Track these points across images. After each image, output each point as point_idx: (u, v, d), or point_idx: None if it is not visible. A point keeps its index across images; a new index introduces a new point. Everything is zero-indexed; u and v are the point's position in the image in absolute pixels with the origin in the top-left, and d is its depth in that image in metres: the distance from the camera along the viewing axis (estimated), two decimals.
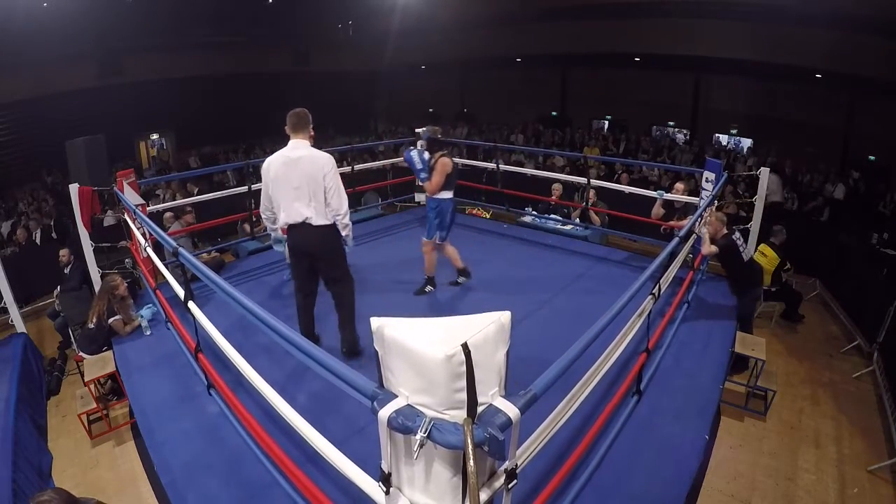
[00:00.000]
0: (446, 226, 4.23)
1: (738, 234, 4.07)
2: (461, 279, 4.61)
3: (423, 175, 4.07)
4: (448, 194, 4.13)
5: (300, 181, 2.98)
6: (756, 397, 3.74)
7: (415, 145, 6.07)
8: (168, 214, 5.65)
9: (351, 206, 6.32)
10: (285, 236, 3.28)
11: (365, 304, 4.21)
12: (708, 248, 4.04)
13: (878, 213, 7.99)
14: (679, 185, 5.17)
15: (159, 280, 4.09)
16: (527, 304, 4.21)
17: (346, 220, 3.12)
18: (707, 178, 4.82)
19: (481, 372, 1.20)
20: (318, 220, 3.05)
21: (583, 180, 5.81)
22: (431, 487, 1.29)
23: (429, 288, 4.50)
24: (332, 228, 3.10)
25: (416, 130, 4.31)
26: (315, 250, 3.16)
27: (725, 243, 3.95)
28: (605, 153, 11.50)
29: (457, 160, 4.43)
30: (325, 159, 3.01)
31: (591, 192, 5.96)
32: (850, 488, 3.11)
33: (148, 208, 4.85)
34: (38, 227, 7.73)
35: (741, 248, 4.02)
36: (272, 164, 3.07)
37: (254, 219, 5.62)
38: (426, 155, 4.08)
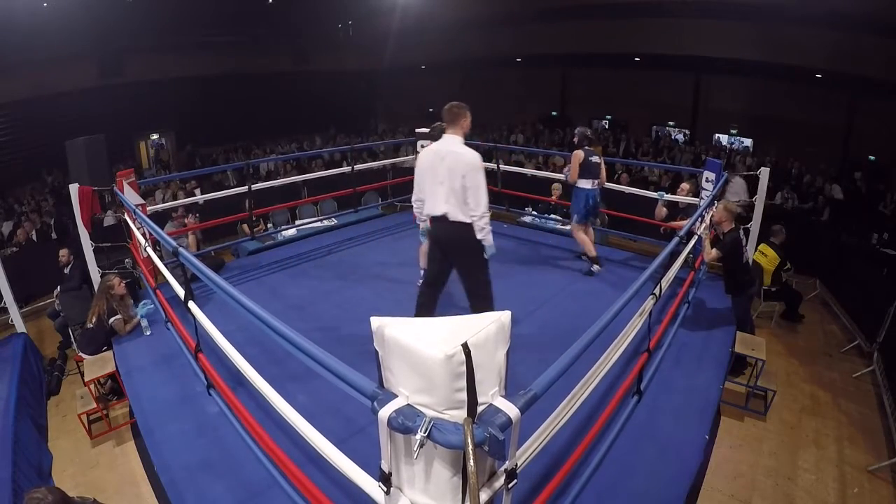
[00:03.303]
0: (590, 212, 4.81)
1: (742, 233, 4.02)
2: (595, 268, 4.85)
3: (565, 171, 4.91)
4: (586, 184, 4.71)
5: (443, 176, 3.00)
6: (756, 397, 3.74)
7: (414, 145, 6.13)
8: (179, 212, 5.64)
9: (351, 206, 6.41)
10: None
11: (364, 304, 4.25)
12: (709, 254, 3.93)
13: (878, 213, 8.00)
14: (684, 186, 5.14)
15: (159, 280, 4.09)
16: (527, 304, 4.21)
17: (483, 222, 3.04)
18: (707, 178, 4.82)
19: (481, 372, 1.20)
20: (455, 217, 3.04)
21: None
22: (431, 487, 1.28)
23: (595, 267, 4.82)
24: (469, 227, 3.07)
25: (576, 130, 5.02)
26: (449, 246, 3.18)
27: (732, 239, 3.85)
28: (605, 153, 11.50)
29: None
30: (468, 157, 2.97)
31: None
32: (850, 488, 3.11)
33: (148, 208, 4.85)
34: (32, 227, 7.73)
35: (744, 249, 3.98)
36: (424, 155, 3.13)
37: (253, 219, 5.62)
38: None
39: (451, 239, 3.14)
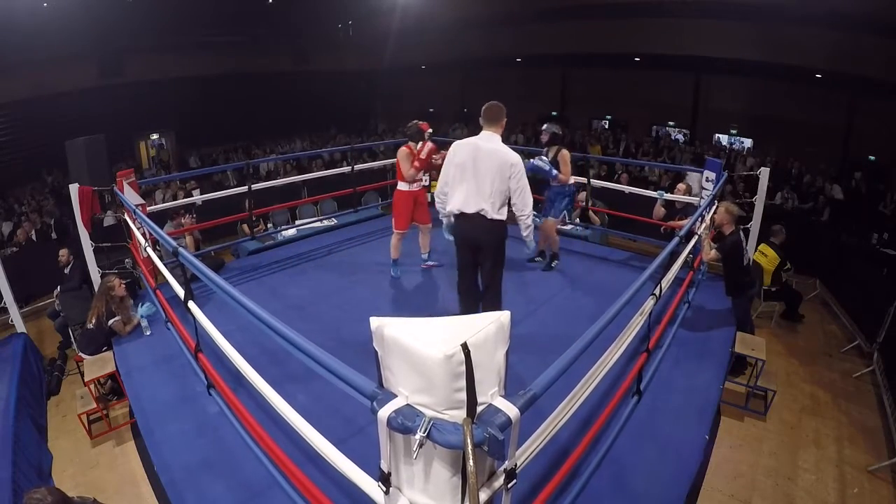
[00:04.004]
0: (570, 207, 4.92)
1: (742, 235, 4.03)
2: (555, 263, 4.93)
3: (553, 173, 4.55)
4: (571, 180, 4.75)
5: (486, 174, 2.97)
6: (756, 397, 3.74)
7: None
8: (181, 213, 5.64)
9: (351, 206, 6.41)
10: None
11: (364, 304, 4.25)
12: (708, 254, 3.93)
13: (878, 213, 8.00)
14: (681, 186, 5.15)
15: (159, 280, 4.09)
16: (527, 304, 4.21)
17: (529, 220, 3.15)
18: (707, 178, 4.82)
19: (481, 372, 1.20)
20: (492, 215, 3.03)
21: (583, 180, 5.80)
22: (431, 487, 1.28)
23: (556, 263, 4.90)
24: (503, 224, 3.10)
25: (545, 127, 4.77)
26: (481, 242, 3.15)
27: (732, 241, 3.85)
28: (605, 153, 11.50)
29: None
30: (515, 159, 2.99)
31: (583, 194, 5.95)
32: (850, 488, 3.11)
33: (148, 208, 4.85)
34: (32, 227, 7.73)
35: (745, 251, 3.98)
36: (460, 150, 3.06)
37: (253, 219, 5.61)
38: (545, 158, 4.61)
39: (485, 236, 3.11)
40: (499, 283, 3.29)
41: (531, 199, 3.10)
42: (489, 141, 3.01)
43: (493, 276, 3.25)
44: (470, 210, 3.05)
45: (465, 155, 3.02)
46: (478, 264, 3.27)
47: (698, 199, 5.06)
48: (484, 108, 3.05)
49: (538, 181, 4.68)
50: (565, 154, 4.61)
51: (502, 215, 3.06)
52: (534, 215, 4.21)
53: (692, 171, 5.62)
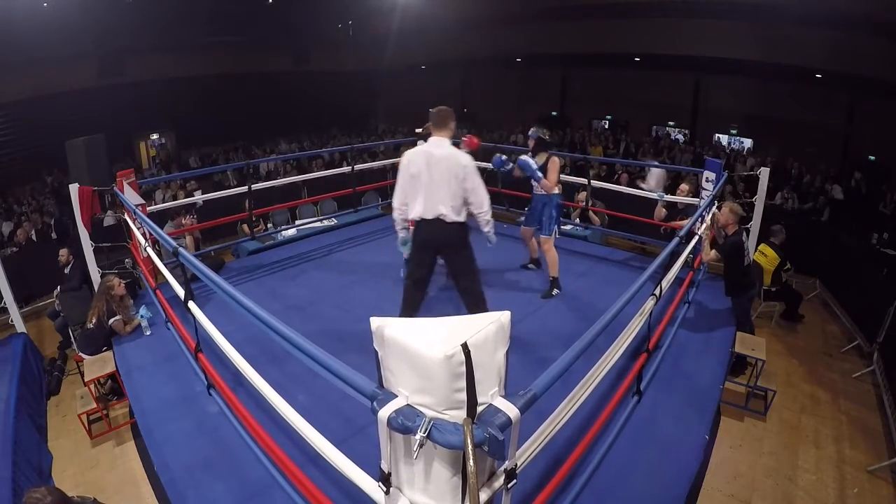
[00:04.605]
0: (558, 219, 4.46)
1: (745, 235, 4.03)
2: (555, 292, 4.37)
3: (539, 175, 4.25)
4: (558, 188, 4.40)
5: (441, 179, 3.01)
6: (756, 397, 3.74)
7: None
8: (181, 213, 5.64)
9: (351, 206, 6.40)
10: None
11: (365, 304, 4.25)
12: (708, 255, 3.94)
13: (878, 213, 8.00)
14: (683, 186, 5.15)
15: (159, 280, 4.09)
16: (527, 303, 4.21)
17: (489, 216, 3.21)
18: (707, 178, 4.82)
19: (481, 372, 1.20)
20: (452, 217, 3.07)
21: (583, 180, 5.81)
22: (431, 487, 1.28)
23: (556, 291, 4.35)
24: (464, 226, 3.15)
25: (531, 132, 4.42)
26: (444, 246, 3.17)
27: (733, 242, 3.84)
28: (605, 153, 11.50)
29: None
30: (466, 160, 3.05)
31: (583, 195, 5.89)
32: (850, 488, 3.11)
33: (148, 208, 4.85)
34: (32, 227, 7.72)
35: (746, 251, 3.98)
36: (413, 159, 3.10)
37: (253, 219, 5.62)
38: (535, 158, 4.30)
39: (447, 240, 3.14)
40: (478, 284, 3.29)
41: (487, 196, 3.14)
42: (440, 146, 3.06)
43: (467, 279, 3.26)
44: (431, 215, 3.08)
45: (422, 162, 3.07)
46: (432, 269, 3.30)
47: (657, 194, 5.08)
48: (432, 113, 3.10)
49: (523, 180, 4.50)
50: (556, 161, 4.31)
51: (462, 218, 3.10)
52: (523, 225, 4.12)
53: (655, 167, 5.58)
